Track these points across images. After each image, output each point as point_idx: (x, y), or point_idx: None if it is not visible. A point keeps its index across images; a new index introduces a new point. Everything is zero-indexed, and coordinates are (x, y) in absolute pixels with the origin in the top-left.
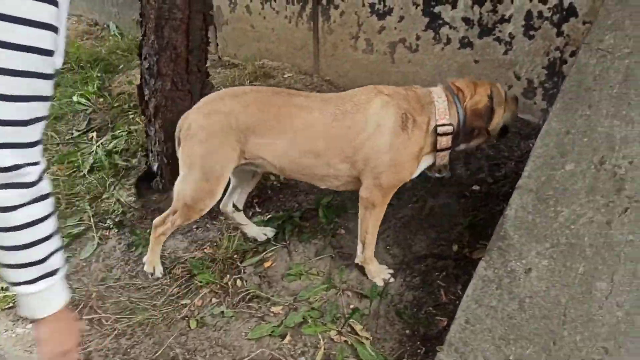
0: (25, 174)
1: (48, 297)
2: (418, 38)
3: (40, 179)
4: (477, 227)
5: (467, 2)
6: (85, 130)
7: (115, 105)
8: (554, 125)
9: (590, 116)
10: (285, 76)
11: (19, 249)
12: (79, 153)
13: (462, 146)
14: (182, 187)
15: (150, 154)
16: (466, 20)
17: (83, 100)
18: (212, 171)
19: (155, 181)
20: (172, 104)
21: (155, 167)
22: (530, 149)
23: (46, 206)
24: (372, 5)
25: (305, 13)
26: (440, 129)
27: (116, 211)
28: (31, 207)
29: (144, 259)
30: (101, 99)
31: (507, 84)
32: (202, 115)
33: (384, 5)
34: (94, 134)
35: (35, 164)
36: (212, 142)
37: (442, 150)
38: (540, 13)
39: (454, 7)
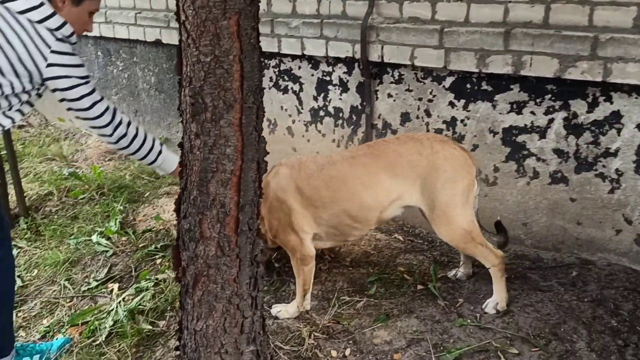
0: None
1: (168, 161)
2: (497, 170)
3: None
4: None
5: (559, 131)
6: (104, 279)
7: (140, 245)
8: None
9: None
10: None
11: (139, 150)
12: (95, 312)
13: None
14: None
15: (186, 331)
16: (559, 153)
17: (103, 241)
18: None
19: None
20: (217, 272)
21: (184, 351)
22: None
23: (132, 129)
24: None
25: (357, 137)
26: None
27: None
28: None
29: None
30: (124, 238)
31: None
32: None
33: (454, 132)
34: (115, 285)
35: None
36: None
37: None
38: None
39: (542, 137)
